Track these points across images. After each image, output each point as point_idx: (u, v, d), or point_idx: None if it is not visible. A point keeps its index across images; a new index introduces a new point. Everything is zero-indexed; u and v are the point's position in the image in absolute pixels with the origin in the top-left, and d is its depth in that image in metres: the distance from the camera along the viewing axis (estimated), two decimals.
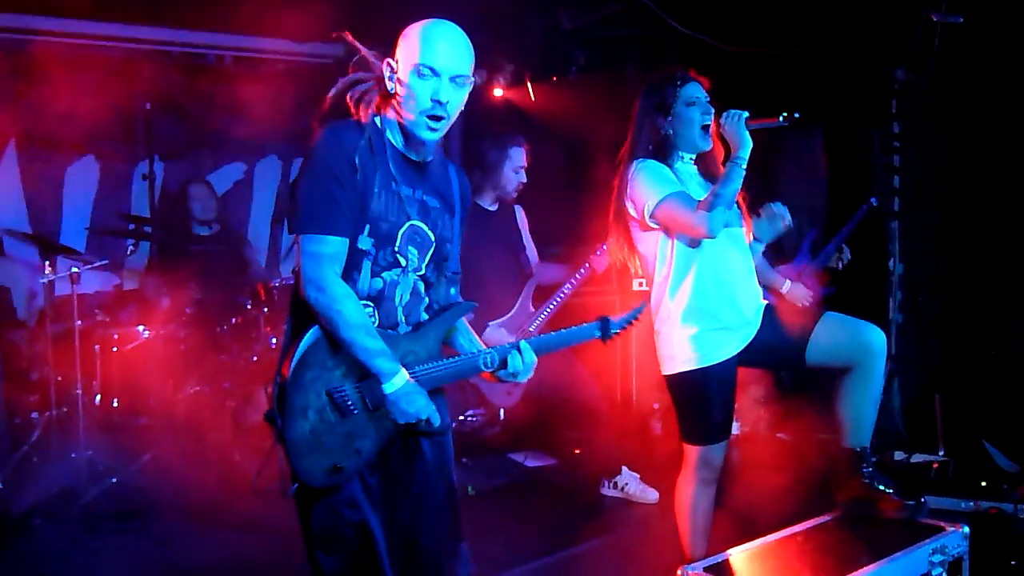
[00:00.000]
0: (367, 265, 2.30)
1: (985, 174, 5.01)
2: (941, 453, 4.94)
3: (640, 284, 5.63)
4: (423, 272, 2.41)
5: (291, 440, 2.24)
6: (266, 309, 5.24)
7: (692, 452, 3.17)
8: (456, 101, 2.29)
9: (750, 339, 3.11)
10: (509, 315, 4.45)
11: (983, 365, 5.13)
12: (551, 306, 4.50)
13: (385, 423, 2.31)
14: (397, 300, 2.37)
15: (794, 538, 3.00)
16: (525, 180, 4.53)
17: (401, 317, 2.38)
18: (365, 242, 2.28)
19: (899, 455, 4.93)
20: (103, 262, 5.36)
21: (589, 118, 5.41)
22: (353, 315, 2.22)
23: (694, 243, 3.05)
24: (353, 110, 2.31)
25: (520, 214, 4.69)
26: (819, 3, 5.01)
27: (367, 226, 2.27)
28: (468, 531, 3.74)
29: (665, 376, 3.17)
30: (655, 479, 4.66)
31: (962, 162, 5.18)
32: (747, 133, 2.96)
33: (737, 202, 3.11)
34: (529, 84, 6.18)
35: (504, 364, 2.43)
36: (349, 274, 2.28)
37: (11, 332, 5.54)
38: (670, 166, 3.13)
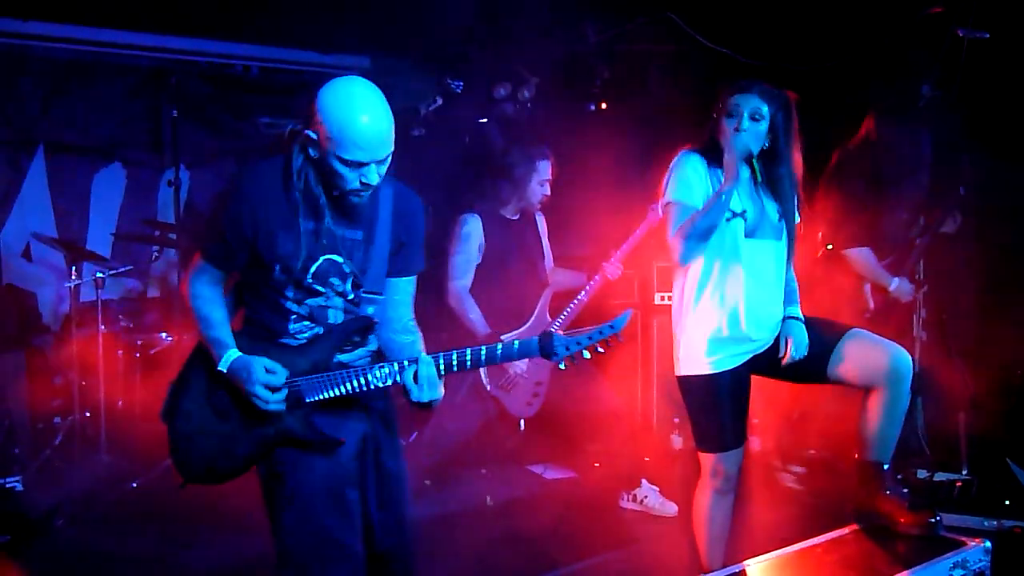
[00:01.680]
0: (289, 293, 2.48)
1: (1012, 190, 4.96)
2: (964, 472, 4.88)
3: (663, 298, 5.62)
4: (351, 297, 2.52)
5: (174, 438, 2.51)
6: None
7: (706, 460, 3.16)
8: (383, 170, 2.41)
9: (762, 350, 3.10)
10: (526, 325, 4.45)
11: (1008, 384, 5.07)
12: (565, 315, 4.50)
13: (262, 430, 2.46)
14: (331, 320, 2.51)
15: (813, 550, 2.98)
16: (549, 193, 4.54)
17: (330, 341, 2.51)
18: (280, 276, 2.46)
19: (922, 473, 4.88)
20: (128, 268, 5.42)
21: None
22: (200, 310, 2.53)
23: (713, 248, 3.04)
24: (285, 152, 2.44)
25: (541, 221, 4.70)
26: (845, 19, 5.00)
27: (276, 265, 2.44)
28: (487, 541, 3.76)
29: (677, 378, 3.17)
30: (675, 493, 4.64)
31: (988, 178, 5.13)
32: (739, 167, 2.93)
33: (780, 213, 3.10)
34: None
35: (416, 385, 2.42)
36: (277, 301, 2.48)
37: (36, 337, 5.58)
38: (715, 167, 3.06)
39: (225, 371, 2.44)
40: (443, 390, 2.46)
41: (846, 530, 3.10)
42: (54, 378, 5.34)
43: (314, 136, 2.35)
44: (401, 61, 6.95)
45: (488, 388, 4.31)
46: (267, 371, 2.42)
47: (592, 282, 4.50)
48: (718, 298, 3.06)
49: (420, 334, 2.64)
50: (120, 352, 5.23)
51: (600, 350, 2.42)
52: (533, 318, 4.47)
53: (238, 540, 4.29)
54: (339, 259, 2.48)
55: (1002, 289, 5.03)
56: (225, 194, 2.48)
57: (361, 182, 2.38)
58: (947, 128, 5.07)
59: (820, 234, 4.60)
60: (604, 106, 6.27)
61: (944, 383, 5.18)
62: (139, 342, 5.30)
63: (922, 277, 5.44)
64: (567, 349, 2.42)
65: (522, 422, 4.57)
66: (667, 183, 3.08)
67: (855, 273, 4.60)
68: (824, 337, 3.09)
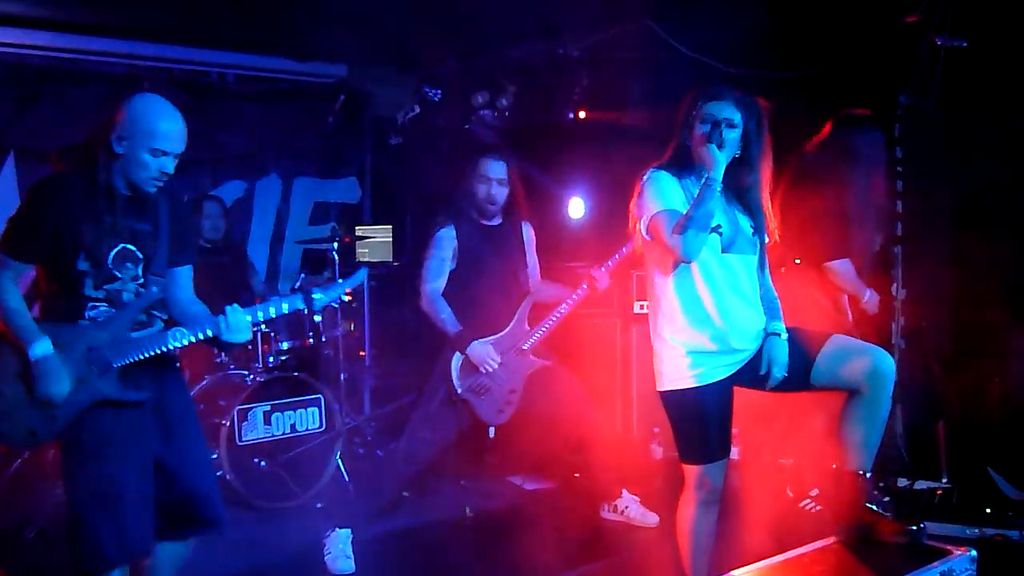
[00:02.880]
0: (88, 281, 2.92)
1: (990, 198, 4.99)
2: (944, 480, 4.88)
3: (642, 307, 5.60)
4: (142, 281, 3.00)
5: None
6: (264, 327, 5.18)
7: (690, 472, 3.13)
8: (173, 165, 2.91)
9: (744, 362, 3.08)
10: (502, 333, 4.40)
11: (987, 391, 5.08)
12: (547, 324, 4.45)
13: (76, 397, 2.88)
14: (124, 303, 2.97)
15: (798, 560, 2.94)
16: (501, 193, 4.42)
17: (127, 319, 2.98)
18: (83, 264, 2.90)
19: (902, 481, 4.87)
20: None
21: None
22: (7, 302, 2.88)
23: (684, 264, 3.02)
24: (80, 161, 2.90)
25: (528, 231, 4.64)
26: (823, 27, 5.01)
27: (81, 252, 2.88)
28: (466, 552, 3.73)
29: (660, 393, 3.14)
30: (655, 503, 4.61)
31: (966, 186, 5.16)
32: (719, 155, 2.91)
33: (753, 227, 3.10)
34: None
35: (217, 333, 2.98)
36: (79, 286, 2.90)
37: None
38: (684, 179, 3.07)
39: (34, 360, 2.84)
40: (250, 334, 3.04)
41: (830, 540, 3.07)
42: None
43: (123, 132, 2.84)
44: (378, 69, 6.92)
45: (459, 391, 4.25)
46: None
47: (577, 292, 4.46)
48: (699, 313, 3.04)
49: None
50: None
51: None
52: (511, 326, 4.42)
53: (214, 553, 4.23)
54: (132, 247, 2.97)
55: (980, 297, 5.04)
56: (31, 194, 2.92)
57: (160, 171, 2.87)
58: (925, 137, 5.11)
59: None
60: (583, 114, 6.25)
61: (923, 391, 5.19)
62: None
63: (900, 285, 5.46)
64: (329, 299, 3.20)
65: (491, 430, 4.51)
66: (643, 200, 3.06)
67: (830, 285, 4.59)
68: (806, 345, 3.08)
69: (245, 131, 6.63)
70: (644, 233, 3.05)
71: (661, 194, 3.02)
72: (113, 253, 2.94)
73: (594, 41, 5.59)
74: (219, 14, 5.47)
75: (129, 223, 2.96)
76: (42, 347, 2.85)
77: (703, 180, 2.93)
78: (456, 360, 4.28)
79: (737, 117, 3.01)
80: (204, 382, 5.15)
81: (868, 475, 3.03)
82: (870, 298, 4.60)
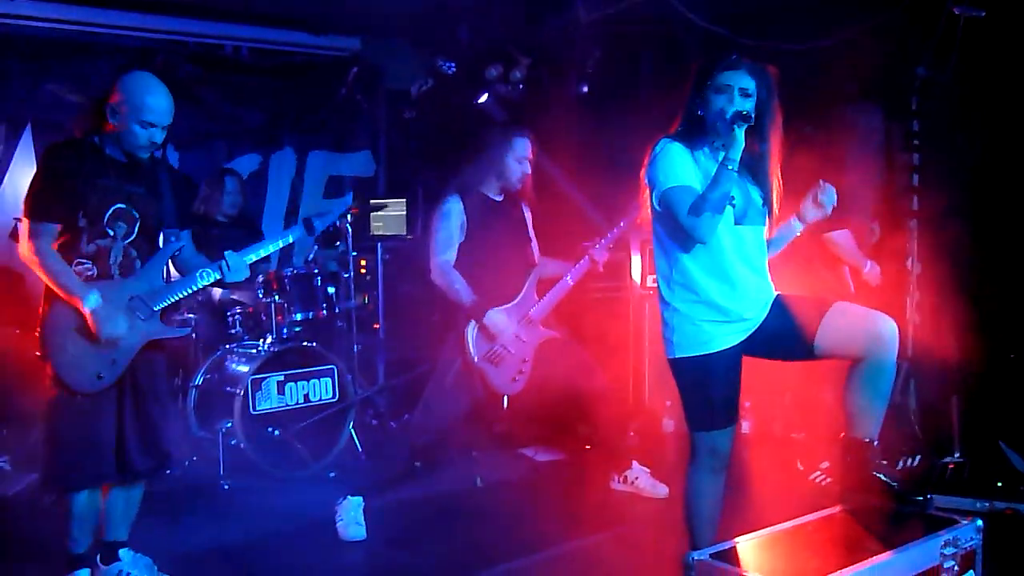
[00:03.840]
0: (83, 236, 3.28)
1: (1008, 172, 4.93)
2: (957, 454, 4.86)
3: (654, 281, 5.58)
4: (133, 239, 3.37)
5: (60, 368, 3.26)
6: (277, 298, 5.22)
7: (698, 439, 3.14)
8: (162, 136, 3.31)
9: (752, 330, 3.08)
10: (514, 302, 4.41)
11: (1001, 367, 5.05)
12: (554, 294, 4.47)
13: (134, 338, 3.32)
14: (111, 260, 3.33)
15: (803, 528, 2.95)
16: (529, 172, 4.46)
17: (116, 272, 3.35)
18: (81, 221, 3.25)
19: (915, 456, 4.86)
20: None
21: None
22: (52, 264, 3.22)
23: (703, 243, 3.01)
24: (80, 131, 3.32)
25: (527, 212, 4.65)
26: None
27: (80, 210, 3.24)
28: (477, 522, 3.75)
29: (669, 360, 3.15)
30: (666, 475, 4.63)
31: (984, 160, 5.10)
32: (740, 133, 2.88)
33: (763, 198, 3.09)
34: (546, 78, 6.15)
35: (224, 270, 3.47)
36: (74, 240, 3.27)
37: (24, 315, 5.53)
38: (696, 150, 3.05)
39: (90, 310, 3.20)
40: (247, 271, 3.54)
41: (836, 508, 3.07)
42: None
43: (117, 106, 3.21)
44: (392, 43, 6.91)
45: (475, 360, 4.27)
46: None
47: (578, 265, 4.47)
48: (709, 283, 3.04)
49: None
50: None
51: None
52: (520, 297, 4.43)
53: (224, 522, 4.29)
54: (126, 207, 3.33)
55: (995, 271, 5.01)
56: (42, 160, 3.30)
57: (150, 141, 3.26)
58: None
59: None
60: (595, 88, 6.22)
61: (937, 366, 5.17)
62: None
63: (915, 259, 5.43)
64: (326, 222, 3.75)
65: (505, 399, 4.54)
66: (654, 172, 3.03)
67: (830, 256, 4.58)
68: (808, 312, 3.07)
69: (260, 105, 6.64)
70: (656, 205, 3.04)
71: (673, 168, 2.99)
72: (109, 212, 3.31)
73: (607, 13, 5.54)
74: None
75: (124, 185, 3.34)
76: (94, 298, 3.21)
77: (720, 159, 2.90)
78: (472, 329, 4.30)
79: (752, 86, 2.99)
80: (218, 352, 5.21)
81: (875, 442, 3.02)
82: (871, 269, 4.61)
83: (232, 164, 6.47)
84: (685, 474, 3.22)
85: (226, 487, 4.75)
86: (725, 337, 3.04)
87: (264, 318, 5.27)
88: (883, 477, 2.99)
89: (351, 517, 4.12)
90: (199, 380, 5.15)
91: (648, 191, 3.09)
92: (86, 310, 3.20)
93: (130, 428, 3.40)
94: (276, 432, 4.96)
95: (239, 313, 5.36)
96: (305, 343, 5.19)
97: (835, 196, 3.21)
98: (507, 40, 5.99)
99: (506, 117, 6.11)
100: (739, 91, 2.97)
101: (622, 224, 4.45)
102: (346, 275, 5.71)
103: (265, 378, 4.95)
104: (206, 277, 3.44)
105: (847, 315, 3.04)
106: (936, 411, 5.17)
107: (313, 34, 6.65)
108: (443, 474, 4.91)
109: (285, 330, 5.26)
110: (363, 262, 6.37)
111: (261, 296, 5.25)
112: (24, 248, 3.25)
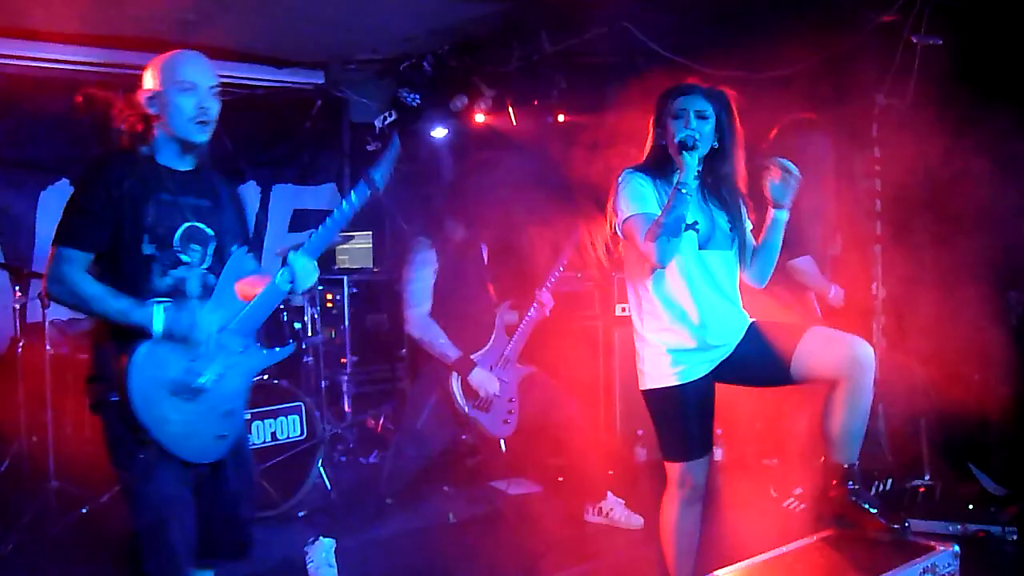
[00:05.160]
0: (155, 267, 2.63)
1: (967, 196, 5.00)
2: (927, 477, 4.89)
3: (623, 310, 5.60)
4: (208, 265, 2.73)
5: (171, 444, 2.53)
6: None
7: (672, 470, 3.12)
8: (215, 107, 2.72)
9: (724, 358, 3.07)
10: (488, 345, 4.41)
11: (967, 389, 5.10)
12: (522, 331, 4.49)
13: (238, 380, 2.69)
14: (191, 292, 2.69)
15: (783, 558, 2.94)
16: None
17: (196, 304, 2.69)
18: (148, 248, 2.61)
19: (886, 479, 4.87)
20: None
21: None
22: (91, 287, 2.55)
23: (663, 267, 3.01)
24: (124, 141, 2.69)
25: (484, 249, 4.65)
26: (800, 28, 5.02)
27: (145, 235, 2.60)
28: (451, 558, 3.68)
29: (642, 392, 3.13)
30: (640, 505, 4.60)
31: (944, 185, 5.18)
32: (690, 158, 2.88)
33: (730, 223, 3.09)
34: (511, 109, 6.17)
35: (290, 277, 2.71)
36: (141, 277, 2.61)
37: None
38: (659, 180, 3.06)
39: (163, 330, 2.54)
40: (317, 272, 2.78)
41: (814, 537, 3.07)
42: None
43: (153, 91, 2.66)
44: (355, 76, 6.89)
45: (466, 411, 4.24)
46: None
47: (529, 315, 4.50)
48: (678, 311, 3.04)
49: None
50: (68, 374, 5.07)
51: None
52: (493, 338, 4.43)
53: None
54: (200, 224, 2.71)
55: (960, 294, 5.06)
56: (85, 176, 2.67)
57: (199, 107, 2.66)
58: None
59: None
60: (562, 117, 6.24)
61: (905, 389, 5.20)
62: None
63: (880, 284, 5.48)
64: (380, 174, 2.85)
65: (502, 442, 4.52)
66: (618, 202, 3.05)
67: (795, 284, 4.61)
68: (784, 338, 3.07)
69: (221, 138, 6.54)
70: (620, 235, 3.05)
71: (634, 196, 3.01)
72: (179, 233, 2.66)
73: (571, 44, 5.58)
74: (194, 20, 5.43)
75: (187, 198, 2.70)
76: (158, 312, 2.54)
77: (674, 184, 2.90)
78: (455, 381, 4.28)
79: (708, 109, 3.01)
80: None
81: (855, 467, 3.02)
82: (835, 293, 4.64)
83: None
84: (660, 505, 3.20)
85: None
86: (696, 367, 3.04)
87: None
88: (863, 503, 2.99)
89: (322, 559, 4.03)
90: None
91: (614, 223, 3.09)
92: (155, 332, 2.52)
93: (223, 502, 2.77)
94: None
95: None
96: (273, 380, 5.11)
97: (788, 164, 3.12)
98: (472, 72, 6.00)
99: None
100: (695, 113, 2.98)
101: (561, 266, 4.51)
102: (312, 309, 5.64)
103: None
104: (285, 276, 2.69)
105: (823, 339, 3.04)
106: (904, 434, 5.21)
107: (275, 68, 6.61)
108: (415, 511, 4.84)
109: None
110: (329, 296, 6.31)
111: None
112: (51, 280, 2.57)
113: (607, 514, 4.61)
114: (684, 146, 2.89)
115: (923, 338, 5.39)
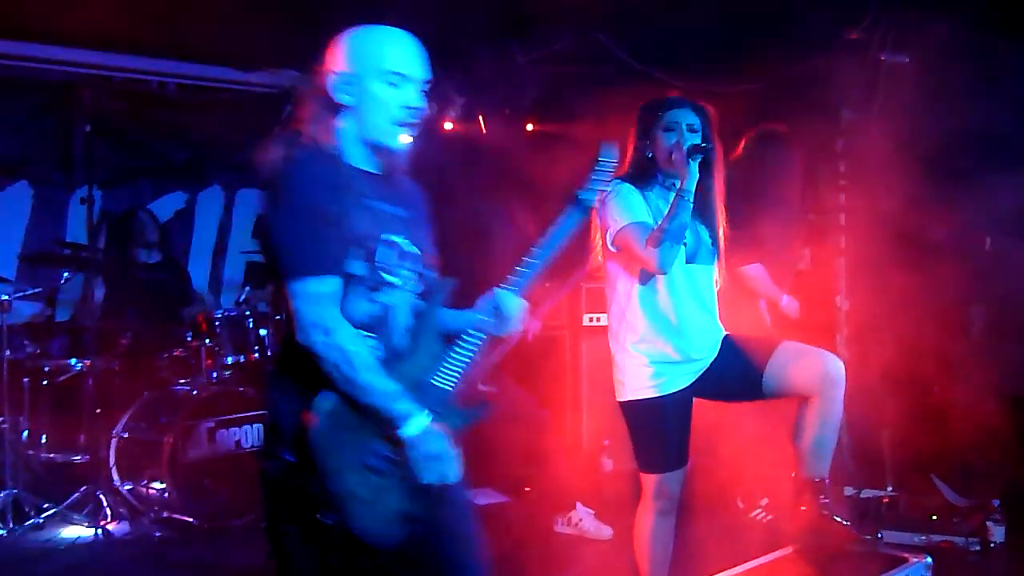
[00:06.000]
0: (360, 291, 2.07)
1: (931, 212, 5.08)
2: (889, 488, 4.95)
3: (591, 320, 5.60)
4: (414, 288, 2.20)
5: (358, 525, 2.01)
6: (208, 341, 5.08)
7: (648, 481, 3.12)
8: (424, 110, 2.18)
9: (703, 371, 3.08)
10: None
11: (928, 400, 5.17)
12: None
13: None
14: (398, 323, 2.15)
15: (757, 571, 2.95)
16: None
17: (406, 344, 2.15)
18: (353, 267, 2.05)
19: (849, 490, 4.93)
20: (35, 291, 5.17)
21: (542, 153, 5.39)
22: (366, 356, 2.01)
23: (650, 275, 3.02)
24: (307, 134, 2.13)
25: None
26: (769, 43, 5.07)
27: (351, 249, 2.05)
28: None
29: (620, 403, 3.13)
30: (608, 516, 4.59)
31: (908, 200, 5.25)
32: (694, 165, 2.93)
33: (712, 238, 3.10)
34: (481, 119, 6.16)
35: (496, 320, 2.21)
36: (353, 299, 2.07)
37: None
38: (646, 191, 3.08)
39: (412, 436, 2.02)
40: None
41: (788, 550, 3.08)
42: None
43: (349, 71, 2.11)
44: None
45: None
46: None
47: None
48: (662, 323, 3.04)
49: None
50: (26, 380, 4.95)
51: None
52: None
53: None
54: (401, 239, 2.15)
55: (922, 306, 5.13)
56: (293, 194, 2.03)
57: (404, 107, 2.12)
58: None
59: None
60: (531, 127, 6.25)
61: (867, 401, 5.27)
62: (47, 369, 5.03)
63: (844, 296, 5.55)
64: (594, 192, 2.29)
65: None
66: (607, 212, 3.05)
67: (746, 291, 4.65)
68: (755, 353, 3.09)
69: (186, 141, 6.48)
70: (610, 245, 3.04)
71: (627, 206, 3.01)
72: (382, 248, 2.12)
73: (543, 54, 5.59)
74: (160, 20, 5.34)
75: (386, 207, 2.17)
76: (419, 419, 2.03)
77: (676, 191, 2.93)
78: None
79: (697, 122, 3.05)
80: (144, 397, 5.02)
81: (826, 481, 3.04)
82: (788, 303, 4.63)
83: (158, 202, 6.30)
84: (634, 516, 3.19)
85: (153, 539, 4.55)
86: (676, 379, 3.05)
87: (193, 362, 5.11)
88: (836, 517, 3.01)
89: None
90: (123, 428, 4.94)
91: (601, 234, 3.09)
92: (403, 436, 2.02)
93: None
94: (207, 482, 4.78)
95: (166, 356, 5.18)
96: (239, 388, 5.04)
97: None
98: (442, 78, 5.97)
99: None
100: (687, 127, 3.02)
101: (553, 297, 4.49)
102: (278, 316, 5.57)
103: (195, 425, 4.78)
104: (497, 318, 2.21)
105: (795, 354, 3.06)
106: (867, 445, 5.27)
107: (243, 70, 6.53)
108: None
109: (216, 374, 5.11)
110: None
111: (191, 339, 5.08)
112: (314, 329, 1.98)
113: (576, 524, 4.60)
114: (694, 152, 2.93)
115: (886, 350, 5.47)
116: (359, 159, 2.16)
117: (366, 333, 2.07)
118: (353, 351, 1.99)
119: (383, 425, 2.02)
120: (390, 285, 2.11)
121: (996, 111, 4.66)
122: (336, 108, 2.14)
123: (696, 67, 5.14)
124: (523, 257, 2.25)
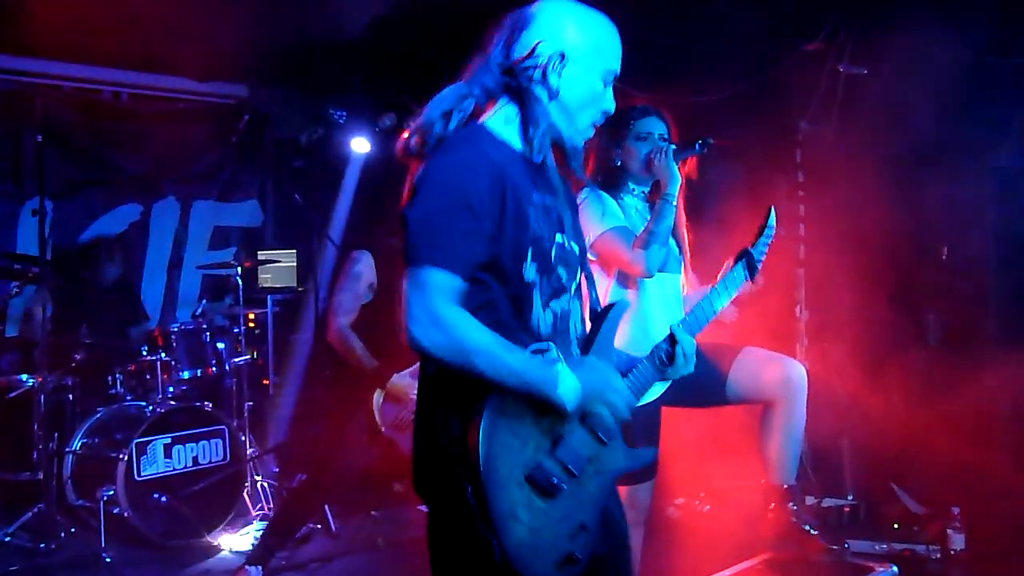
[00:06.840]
0: (537, 298, 1.83)
1: (889, 221, 5.15)
2: (850, 497, 4.98)
3: None
4: (573, 291, 1.96)
5: (514, 552, 1.72)
6: (163, 355, 4.98)
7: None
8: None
9: (673, 379, 3.07)
10: (417, 364, 4.29)
11: (888, 409, 5.22)
12: None
13: (597, 481, 1.89)
14: (572, 333, 1.92)
15: None
16: None
17: (576, 352, 1.92)
18: (530, 271, 1.81)
19: (810, 499, 4.94)
20: None
21: None
22: (479, 333, 1.73)
23: (623, 282, 3.01)
24: (472, 117, 1.88)
25: None
26: (727, 55, 5.11)
27: (529, 249, 1.80)
28: None
29: None
30: None
31: (865, 210, 5.31)
32: (676, 169, 2.96)
33: (679, 246, 3.11)
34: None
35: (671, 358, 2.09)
36: (519, 315, 1.83)
37: None
38: (618, 197, 3.09)
39: (574, 405, 1.77)
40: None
41: (755, 560, 3.08)
42: None
43: (573, 54, 1.85)
44: (280, 90, 6.75)
45: (383, 429, 4.12)
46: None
47: None
48: (635, 332, 3.03)
49: None
50: None
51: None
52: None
53: None
54: (565, 239, 1.91)
55: (881, 315, 5.19)
56: (451, 164, 1.78)
57: (604, 112, 1.93)
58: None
59: None
60: None
61: (826, 408, 5.30)
62: None
63: (803, 307, 5.59)
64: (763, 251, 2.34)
65: None
66: (586, 219, 3.02)
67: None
68: (718, 359, 3.10)
69: (141, 152, 6.36)
70: (591, 252, 3.03)
71: (607, 211, 3.02)
72: (556, 249, 1.88)
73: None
74: (113, 29, 5.24)
75: (552, 200, 1.91)
76: (565, 375, 1.77)
77: (661, 196, 2.95)
78: (377, 398, 4.16)
79: (666, 132, 3.12)
80: (99, 414, 4.91)
81: (794, 488, 3.05)
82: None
83: (111, 213, 6.17)
84: None
85: (108, 560, 4.42)
86: (650, 391, 3.02)
87: (149, 377, 5.01)
88: (803, 524, 3.02)
89: None
90: (77, 445, 4.81)
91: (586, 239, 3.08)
92: (561, 403, 1.76)
93: None
94: (163, 499, 4.67)
95: (120, 372, 5.07)
96: (195, 403, 4.95)
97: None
98: (401, 89, 5.92)
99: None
100: (658, 137, 3.09)
101: None
102: (236, 330, 5.48)
103: (150, 441, 4.68)
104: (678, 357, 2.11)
105: (757, 360, 3.09)
106: (826, 454, 5.30)
107: (197, 80, 6.43)
108: (343, 535, 4.73)
109: (172, 389, 5.01)
110: (251, 316, 6.14)
111: (145, 353, 4.98)
112: (420, 322, 1.75)
113: None
114: (678, 154, 2.97)
115: (845, 359, 5.51)
116: (517, 143, 1.89)
117: (546, 346, 1.83)
118: (468, 339, 1.71)
119: (541, 406, 1.76)
120: (564, 290, 1.90)
121: (953, 122, 4.73)
122: (520, 84, 1.85)
123: (654, 79, 5.16)
124: (697, 303, 2.28)
